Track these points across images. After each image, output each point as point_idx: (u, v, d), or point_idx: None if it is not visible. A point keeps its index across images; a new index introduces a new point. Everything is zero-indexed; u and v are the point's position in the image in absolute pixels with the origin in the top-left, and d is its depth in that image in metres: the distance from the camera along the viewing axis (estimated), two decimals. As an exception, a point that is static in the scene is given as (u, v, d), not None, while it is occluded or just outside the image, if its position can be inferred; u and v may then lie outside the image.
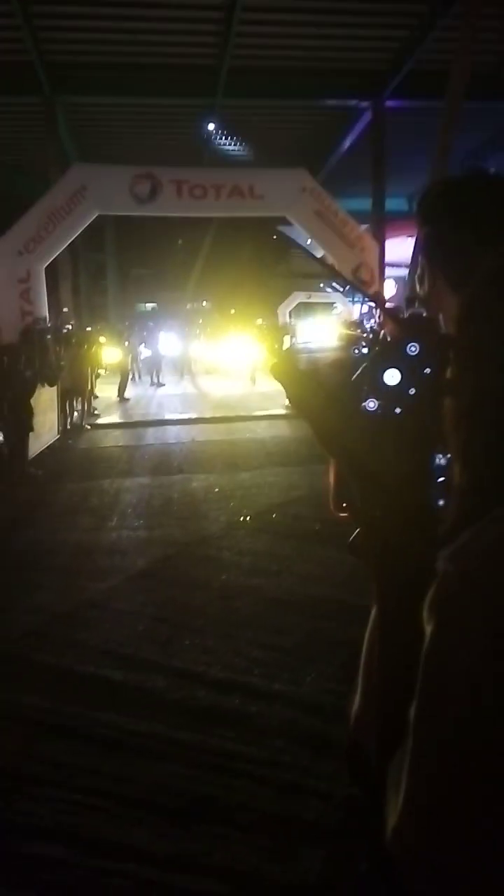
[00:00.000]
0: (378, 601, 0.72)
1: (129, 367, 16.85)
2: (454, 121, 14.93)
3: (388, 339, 0.74)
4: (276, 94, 16.95)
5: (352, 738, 0.76)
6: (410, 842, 0.47)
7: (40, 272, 13.75)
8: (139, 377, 18.19)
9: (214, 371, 19.45)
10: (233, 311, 31.84)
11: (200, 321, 28.16)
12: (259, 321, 23.82)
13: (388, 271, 18.53)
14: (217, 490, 7.76)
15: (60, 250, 14.55)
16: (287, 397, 0.75)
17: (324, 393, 0.72)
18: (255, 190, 14.19)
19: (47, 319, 13.50)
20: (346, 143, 20.51)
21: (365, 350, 0.74)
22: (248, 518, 6.69)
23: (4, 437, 7.88)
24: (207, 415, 12.77)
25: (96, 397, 14.35)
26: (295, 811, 2.87)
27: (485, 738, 0.43)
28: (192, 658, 4.03)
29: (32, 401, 8.97)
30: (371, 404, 0.69)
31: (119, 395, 15.50)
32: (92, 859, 2.63)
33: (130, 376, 17.27)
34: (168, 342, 20.11)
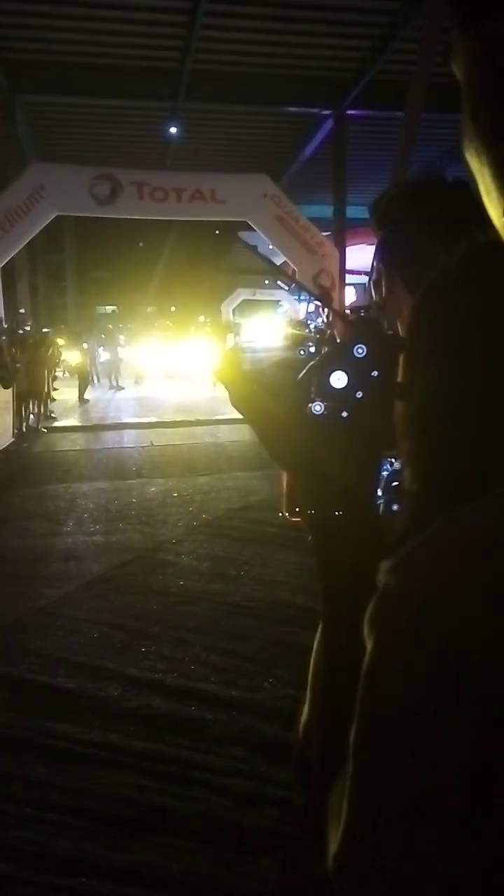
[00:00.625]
0: (322, 611, 0.69)
1: (89, 370, 16.66)
2: (413, 131, 15.20)
3: (337, 340, 0.72)
4: (238, 99, 17.00)
5: (298, 748, 0.73)
6: (350, 871, 0.43)
7: (-4, 272, 13.49)
8: (98, 380, 17.98)
9: (174, 375, 19.34)
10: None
11: (160, 324, 27.99)
12: (201, 318, 23.70)
13: (349, 278, 18.73)
14: (175, 495, 7.69)
15: (17, 250, 14.30)
16: (230, 399, 0.72)
17: (268, 395, 0.69)
18: (217, 194, 14.18)
19: (3, 321, 13.24)
20: (308, 151, 20.69)
21: (311, 350, 0.71)
22: (206, 522, 6.63)
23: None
24: (167, 418, 12.67)
25: (53, 400, 14.13)
26: (252, 820, 2.83)
27: (426, 765, 0.40)
28: (148, 665, 3.95)
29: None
30: (317, 407, 0.66)
31: (79, 398, 15.32)
32: (41, 875, 2.55)
33: (90, 379, 17.08)
34: (126, 345, 19.96)
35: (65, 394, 16.04)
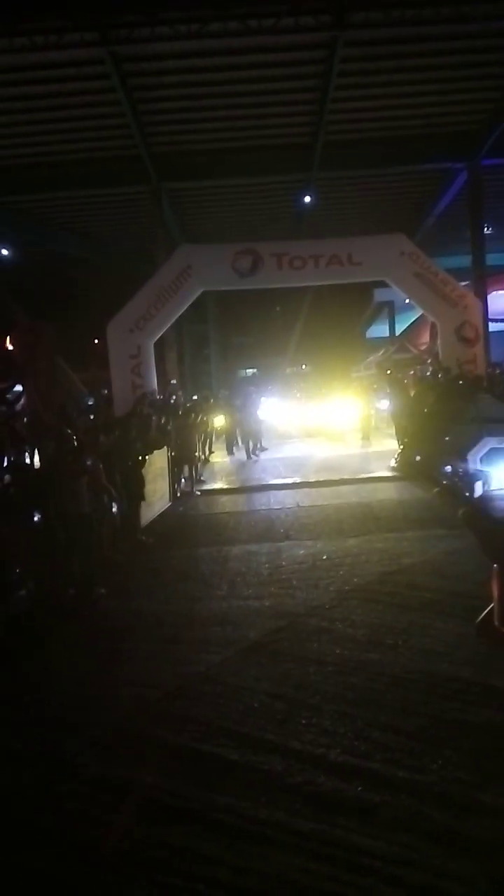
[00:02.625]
0: None
1: (234, 430, 17.01)
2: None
3: None
4: (371, 164, 17.41)
5: None
6: None
7: (150, 347, 14.46)
8: (240, 443, 18.27)
9: (317, 434, 19.47)
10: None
11: (300, 384, 28.45)
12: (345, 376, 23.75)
13: (492, 326, 18.17)
14: (325, 557, 7.64)
15: (168, 326, 15.28)
16: (481, 544, 0.72)
17: None
18: (354, 257, 14.44)
19: (156, 392, 14.09)
20: (443, 204, 20.63)
21: None
22: (358, 587, 6.52)
23: (118, 507, 8.15)
24: (311, 479, 12.73)
25: (208, 462, 14.68)
26: (430, 918, 2.66)
27: None
28: (310, 739, 3.89)
29: (144, 470, 9.29)
30: None
31: (229, 452, 15.74)
32: None
33: (236, 442, 17.51)
34: (268, 407, 20.27)
35: (213, 457, 16.62)
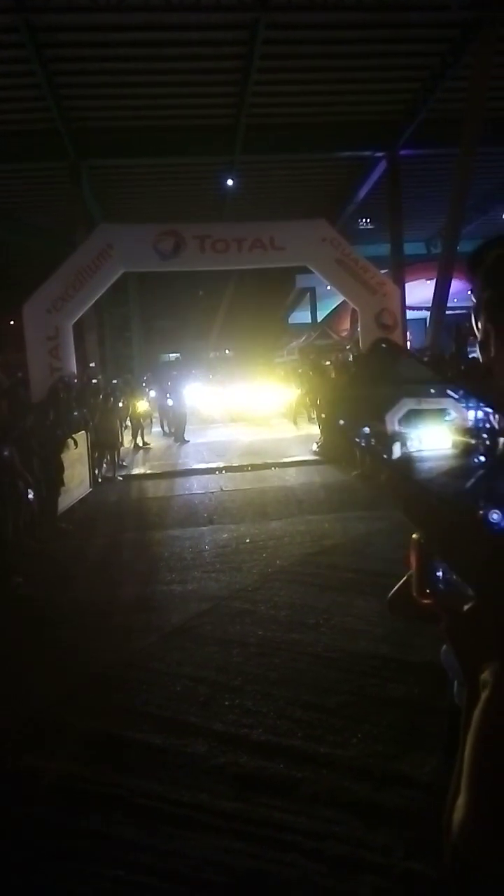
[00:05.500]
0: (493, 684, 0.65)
1: (149, 417, 16.77)
2: (469, 166, 15.20)
3: None
4: (293, 148, 17.43)
5: (454, 850, 0.67)
6: None
7: (68, 329, 14.05)
8: (167, 428, 18.08)
9: (241, 418, 19.52)
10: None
11: (224, 369, 28.40)
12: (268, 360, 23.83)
13: (409, 314, 18.66)
14: (248, 540, 7.68)
15: (87, 307, 14.89)
16: (402, 510, 0.71)
17: (441, 504, 0.67)
18: (276, 241, 14.46)
19: (75, 375, 13.72)
20: (363, 192, 20.94)
21: (482, 459, 0.69)
22: (281, 569, 6.59)
23: (35, 493, 7.91)
24: (235, 463, 12.75)
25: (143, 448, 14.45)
26: (350, 887, 2.72)
27: None
28: (233, 720, 3.91)
29: (63, 455, 9.04)
30: (495, 515, 0.64)
31: (140, 443, 15.41)
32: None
33: (161, 427, 17.30)
34: (193, 392, 20.15)
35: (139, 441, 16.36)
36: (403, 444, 0.75)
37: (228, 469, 12.29)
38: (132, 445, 15.30)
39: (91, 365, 16.84)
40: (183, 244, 14.09)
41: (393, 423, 0.80)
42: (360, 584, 5.74)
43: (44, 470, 8.27)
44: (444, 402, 0.83)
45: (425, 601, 0.76)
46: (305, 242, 14.71)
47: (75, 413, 11.18)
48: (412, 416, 0.86)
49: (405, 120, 16.73)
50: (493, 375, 1.06)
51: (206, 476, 11.88)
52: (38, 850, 3.00)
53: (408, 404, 0.84)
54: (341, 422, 0.75)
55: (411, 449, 0.77)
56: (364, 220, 22.44)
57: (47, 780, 3.46)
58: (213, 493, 10.50)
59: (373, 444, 0.73)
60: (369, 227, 22.97)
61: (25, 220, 22.81)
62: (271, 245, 14.38)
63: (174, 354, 37.95)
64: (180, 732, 3.81)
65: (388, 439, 0.74)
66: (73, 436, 10.09)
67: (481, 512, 0.64)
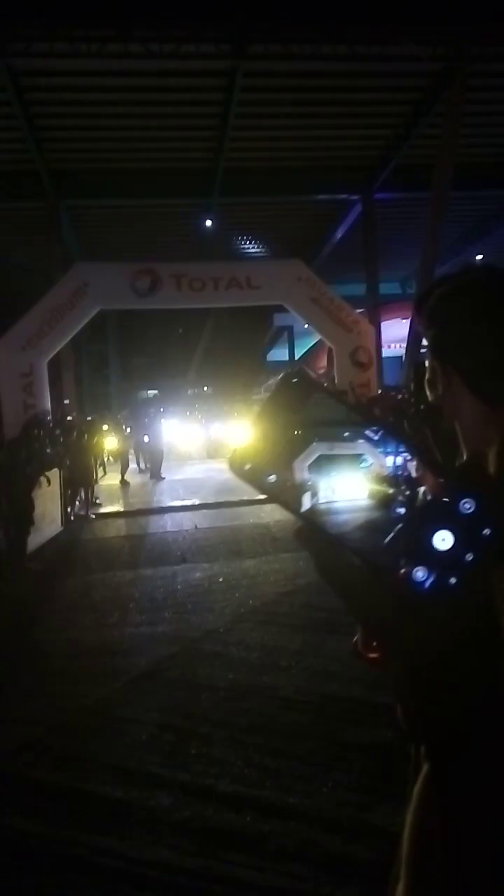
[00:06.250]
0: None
1: (128, 454, 16.75)
2: (442, 209, 15.59)
3: (430, 495, 0.64)
4: (270, 191, 17.74)
5: None
6: None
7: (42, 366, 13.99)
8: (145, 465, 17.94)
9: (218, 455, 19.47)
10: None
11: (202, 406, 28.43)
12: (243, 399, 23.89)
13: (385, 352, 18.88)
14: (221, 580, 7.55)
15: (63, 345, 14.86)
16: (315, 567, 0.65)
17: (358, 561, 0.61)
18: (252, 281, 14.62)
19: (49, 413, 13.61)
20: (339, 234, 21.34)
21: (402, 510, 0.63)
22: (254, 609, 6.46)
23: (3, 532, 7.74)
24: (210, 500, 12.64)
25: (97, 484, 14.30)
26: None
27: None
28: (199, 770, 3.75)
29: (34, 493, 8.89)
30: (419, 574, 0.57)
31: (121, 480, 15.43)
32: None
33: (137, 463, 17.20)
34: (170, 429, 20.12)
35: (109, 479, 16.23)
36: (314, 495, 0.69)
37: (203, 506, 12.18)
38: (119, 482, 15.21)
39: (66, 402, 16.72)
40: (159, 282, 14.18)
41: (302, 471, 0.74)
42: (334, 623, 5.63)
43: (13, 508, 8.10)
44: (360, 447, 0.78)
45: (371, 656, 0.70)
46: (281, 282, 14.89)
47: (48, 450, 11.04)
48: (324, 462, 0.80)
49: (380, 165, 17.16)
50: (443, 412, 1.02)
51: (181, 513, 11.75)
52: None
53: (318, 449, 0.78)
54: (246, 467, 0.68)
55: (322, 500, 0.71)
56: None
57: (2, 836, 3.27)
58: (187, 530, 10.38)
59: (278, 495, 0.67)
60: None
61: (2, 258, 22.86)
62: (247, 284, 14.53)
63: (152, 391, 37.95)
64: (143, 784, 3.64)
65: (296, 490, 0.68)
66: (46, 473, 9.95)
67: (403, 570, 0.58)
